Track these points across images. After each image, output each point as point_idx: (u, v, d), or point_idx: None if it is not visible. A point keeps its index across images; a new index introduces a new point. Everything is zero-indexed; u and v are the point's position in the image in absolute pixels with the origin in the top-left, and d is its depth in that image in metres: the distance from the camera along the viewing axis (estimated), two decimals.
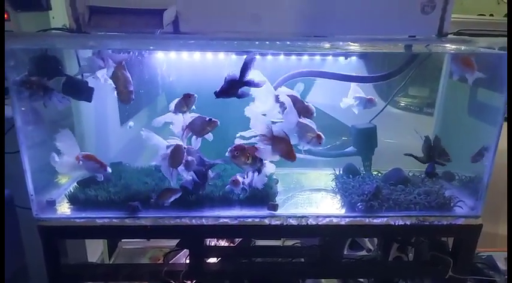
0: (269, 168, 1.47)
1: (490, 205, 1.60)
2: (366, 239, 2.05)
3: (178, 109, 1.43)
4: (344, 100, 1.68)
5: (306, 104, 1.44)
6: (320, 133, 1.39)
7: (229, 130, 1.45)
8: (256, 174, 1.44)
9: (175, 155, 1.39)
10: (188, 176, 1.44)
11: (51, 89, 1.36)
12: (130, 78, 1.38)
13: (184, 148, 1.40)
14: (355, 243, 2.05)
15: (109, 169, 1.41)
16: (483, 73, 1.44)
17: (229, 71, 1.33)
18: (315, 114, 1.44)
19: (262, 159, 1.41)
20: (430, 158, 1.62)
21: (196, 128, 1.41)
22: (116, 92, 1.39)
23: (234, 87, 1.33)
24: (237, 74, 1.32)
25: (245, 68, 1.31)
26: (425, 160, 1.63)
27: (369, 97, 1.64)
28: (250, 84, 1.33)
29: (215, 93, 1.32)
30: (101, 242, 2.16)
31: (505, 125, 1.43)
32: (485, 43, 1.37)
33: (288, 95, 1.41)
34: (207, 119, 1.40)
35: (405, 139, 1.79)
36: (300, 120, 1.39)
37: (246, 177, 1.45)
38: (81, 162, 1.37)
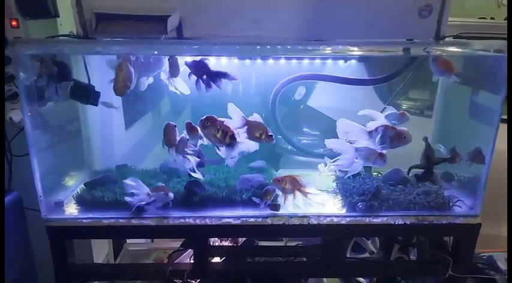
0: (248, 145, 1.44)
1: (491, 207, 1.62)
2: (369, 241, 2.07)
3: (173, 74, 1.45)
4: (369, 124, 1.54)
5: (398, 129, 1.45)
6: (382, 152, 1.44)
7: None
8: (226, 147, 1.42)
9: (167, 133, 1.42)
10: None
11: (55, 78, 1.41)
12: (133, 76, 1.39)
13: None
14: (358, 245, 2.07)
15: (171, 195, 1.43)
16: (480, 74, 1.46)
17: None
18: (410, 138, 1.45)
19: (235, 137, 1.40)
20: (429, 164, 1.60)
21: (253, 131, 1.41)
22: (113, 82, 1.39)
23: (201, 68, 1.38)
24: (214, 67, 1.38)
25: (220, 73, 1.38)
26: (425, 166, 1.62)
27: (400, 111, 1.57)
28: (214, 79, 1.37)
29: (186, 62, 1.38)
30: (106, 244, 2.19)
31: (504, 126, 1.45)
32: (481, 46, 1.40)
33: (379, 126, 1.45)
34: (270, 133, 1.41)
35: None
36: (357, 146, 1.45)
37: (218, 150, 1.44)
38: (152, 197, 1.42)
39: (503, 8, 4.12)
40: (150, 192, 1.43)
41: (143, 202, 1.41)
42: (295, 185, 1.43)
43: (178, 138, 1.45)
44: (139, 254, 2.27)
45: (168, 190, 1.43)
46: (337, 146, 1.48)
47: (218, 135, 1.39)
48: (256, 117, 1.42)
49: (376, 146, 1.46)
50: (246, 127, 1.41)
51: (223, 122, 1.40)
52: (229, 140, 1.40)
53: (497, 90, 1.38)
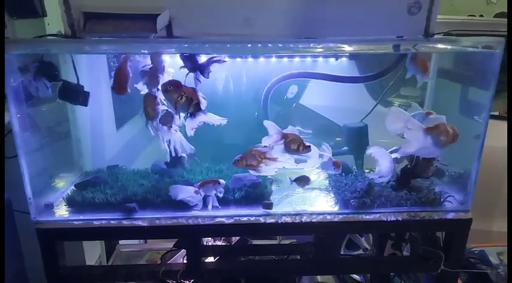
0: (212, 118, 1.42)
1: (483, 203, 1.63)
2: (362, 238, 2.07)
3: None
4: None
5: (451, 127, 1.37)
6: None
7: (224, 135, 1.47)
8: (189, 117, 1.39)
9: (146, 104, 1.38)
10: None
11: (40, 74, 1.39)
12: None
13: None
14: (352, 243, 2.08)
15: (222, 181, 1.42)
16: (471, 71, 1.47)
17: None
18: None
19: (199, 106, 1.37)
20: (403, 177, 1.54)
21: (290, 144, 1.41)
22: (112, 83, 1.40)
23: (191, 61, 1.37)
24: (201, 62, 1.38)
25: (206, 63, 1.37)
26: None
27: (426, 111, 1.52)
28: (202, 70, 1.37)
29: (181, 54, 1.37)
30: (98, 246, 2.18)
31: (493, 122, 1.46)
32: (469, 42, 1.41)
33: (439, 124, 1.37)
34: (307, 144, 1.40)
35: (397, 138, 1.82)
36: (394, 155, 1.48)
37: (179, 117, 1.40)
38: (201, 192, 1.42)
39: (492, 6, 4.18)
40: (197, 190, 1.41)
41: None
42: (259, 156, 1.40)
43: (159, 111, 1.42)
44: (132, 255, 2.25)
45: (216, 179, 1.41)
46: (377, 155, 1.49)
47: (182, 102, 1.34)
48: (290, 130, 1.42)
49: (435, 146, 1.38)
50: (283, 140, 1.41)
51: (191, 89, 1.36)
52: (194, 108, 1.35)
53: (486, 86, 1.39)
